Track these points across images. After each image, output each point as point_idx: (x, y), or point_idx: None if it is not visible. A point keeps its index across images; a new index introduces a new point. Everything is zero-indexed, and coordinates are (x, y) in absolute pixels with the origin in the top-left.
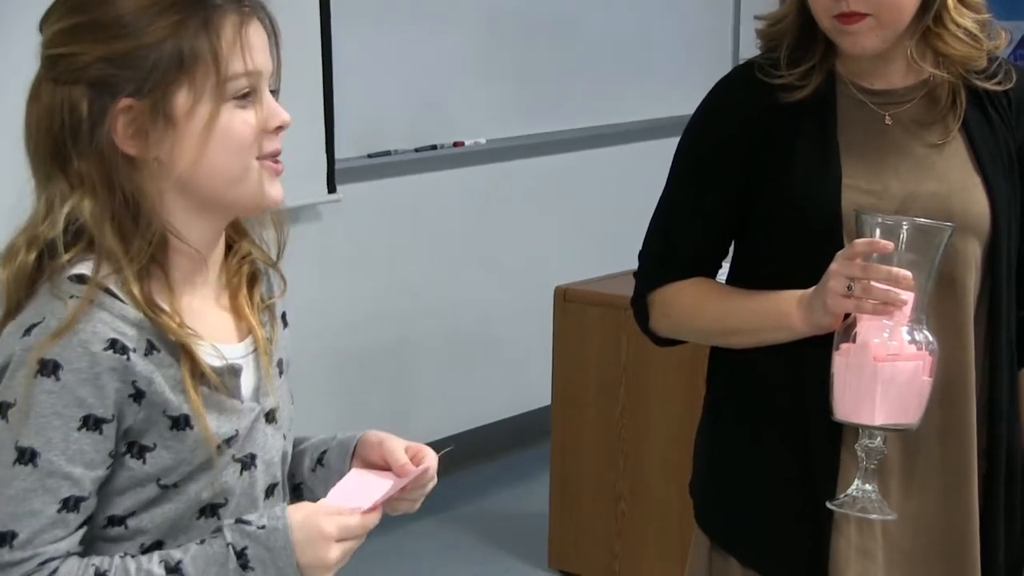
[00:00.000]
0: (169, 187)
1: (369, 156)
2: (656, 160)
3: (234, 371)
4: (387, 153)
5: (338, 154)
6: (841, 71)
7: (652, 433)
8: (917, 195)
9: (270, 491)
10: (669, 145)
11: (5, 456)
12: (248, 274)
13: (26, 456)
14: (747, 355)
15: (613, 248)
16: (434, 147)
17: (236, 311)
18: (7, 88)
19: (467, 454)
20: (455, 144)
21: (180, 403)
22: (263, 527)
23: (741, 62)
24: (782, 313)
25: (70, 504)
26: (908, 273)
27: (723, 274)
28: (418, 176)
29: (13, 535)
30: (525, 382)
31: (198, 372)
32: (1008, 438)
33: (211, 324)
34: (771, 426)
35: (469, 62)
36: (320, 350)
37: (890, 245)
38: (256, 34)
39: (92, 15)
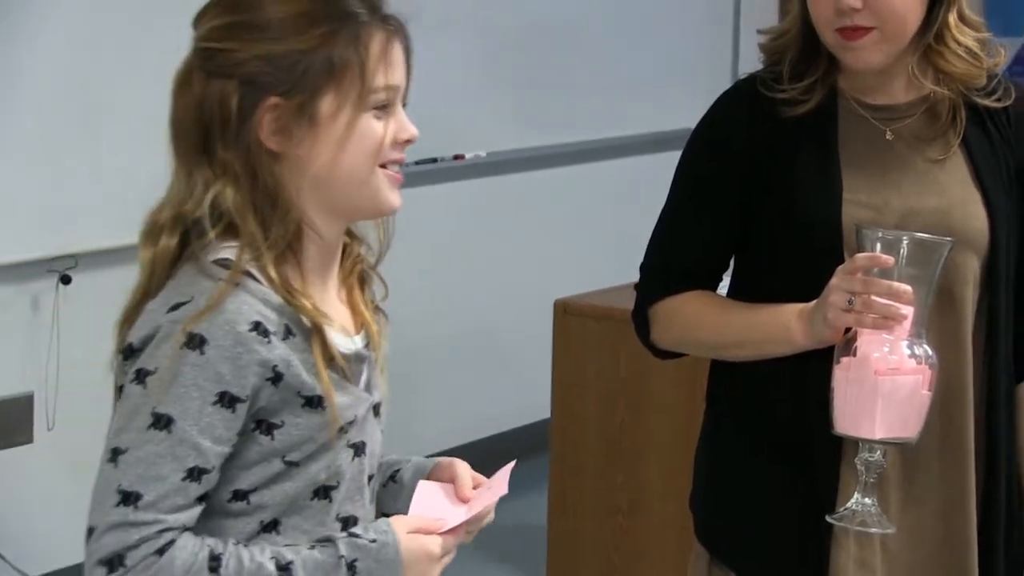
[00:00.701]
0: (305, 183)
1: None
2: (656, 173)
3: (361, 358)
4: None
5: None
6: (843, 86)
7: (651, 446)
8: (918, 210)
9: (370, 481)
10: (670, 158)
11: (140, 420)
12: (359, 275)
13: (162, 422)
14: (748, 368)
15: (613, 261)
16: (434, 160)
17: (352, 307)
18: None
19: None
20: (455, 157)
21: (314, 384)
22: (374, 541)
23: (742, 76)
24: (783, 326)
25: (194, 474)
26: (908, 288)
27: (724, 287)
28: (419, 189)
29: (139, 496)
30: (525, 395)
31: (328, 356)
32: (1007, 452)
33: (335, 312)
34: (772, 440)
35: (470, 75)
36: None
37: (891, 260)
38: (397, 52)
39: (252, 16)
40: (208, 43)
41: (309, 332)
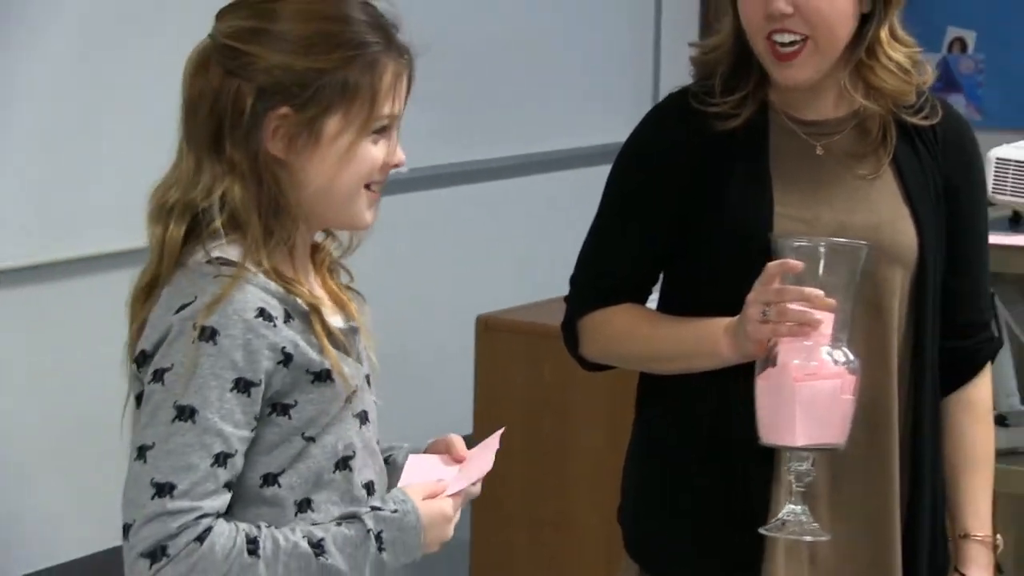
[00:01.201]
0: (304, 195)
1: None
2: (578, 189)
3: (354, 330)
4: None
5: None
6: (773, 100)
7: (576, 460)
8: (848, 225)
9: (378, 444)
10: (590, 174)
11: (163, 415)
12: (328, 264)
13: (185, 413)
14: (677, 381)
15: (535, 277)
16: None
17: (329, 293)
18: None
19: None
20: None
21: (320, 360)
22: (396, 511)
23: (673, 90)
24: (710, 341)
25: (220, 459)
26: (820, 292)
27: (653, 301)
28: None
29: (172, 487)
30: (446, 411)
31: (328, 332)
32: (931, 463)
33: (321, 299)
34: (702, 452)
35: None
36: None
37: (799, 265)
38: (404, 83)
39: (279, 27)
40: (233, 41)
41: (306, 314)
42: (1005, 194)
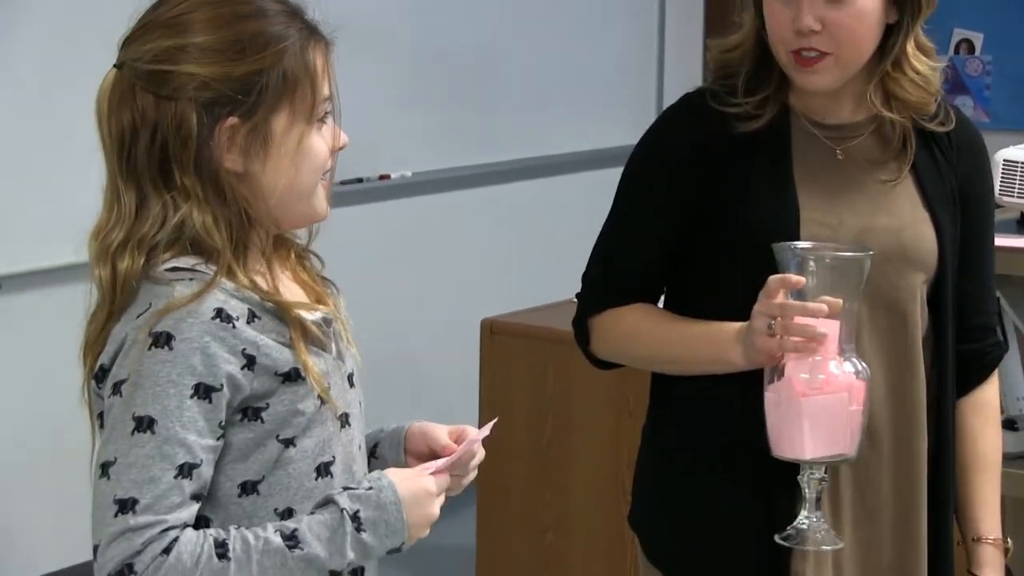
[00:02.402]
0: (271, 201)
1: None
2: (582, 193)
3: (327, 321)
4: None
5: None
6: (793, 103)
7: (579, 465)
8: (871, 228)
9: (360, 450)
10: (594, 177)
11: (123, 428)
12: (296, 253)
13: (144, 424)
14: (695, 388)
15: (540, 280)
16: (360, 180)
17: (301, 284)
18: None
19: None
20: (381, 177)
21: (290, 359)
22: (370, 488)
23: (668, 95)
24: (721, 346)
25: (184, 470)
26: (823, 307)
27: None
28: (344, 209)
29: (135, 501)
30: (451, 415)
31: (305, 333)
32: (953, 469)
33: (294, 294)
34: (723, 459)
35: (394, 95)
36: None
37: (800, 280)
38: (330, 61)
39: (201, 38)
40: (158, 65)
41: (276, 312)
42: (1012, 196)
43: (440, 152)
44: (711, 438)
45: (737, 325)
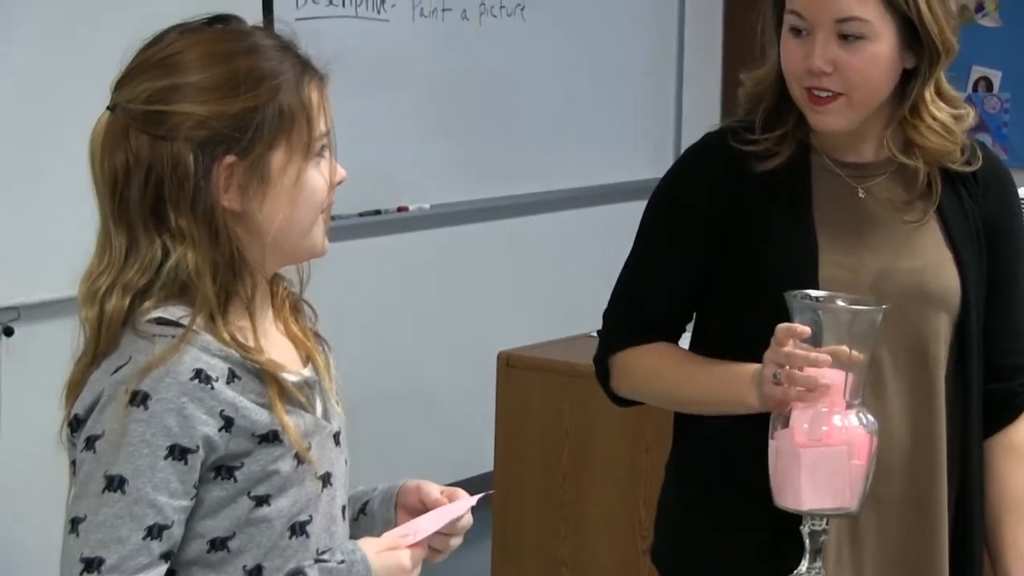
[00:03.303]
0: (267, 241)
1: None
2: (600, 226)
3: (309, 383)
4: (331, 218)
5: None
6: (815, 142)
7: (595, 499)
8: (892, 270)
9: (343, 512)
10: (612, 211)
11: (94, 486)
12: (290, 304)
13: (115, 483)
14: (714, 430)
15: (557, 314)
16: (378, 212)
17: (292, 339)
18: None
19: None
20: (399, 209)
21: (267, 421)
22: (343, 562)
23: (686, 130)
24: (738, 388)
25: (154, 532)
26: (828, 358)
27: (687, 336)
28: (362, 241)
29: (101, 561)
30: (468, 447)
31: (284, 393)
32: (981, 512)
33: (280, 350)
34: (742, 499)
35: (414, 127)
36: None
37: (807, 331)
38: (326, 96)
39: (195, 77)
40: (152, 105)
41: (257, 372)
42: None
43: (459, 185)
44: (731, 478)
45: (754, 367)
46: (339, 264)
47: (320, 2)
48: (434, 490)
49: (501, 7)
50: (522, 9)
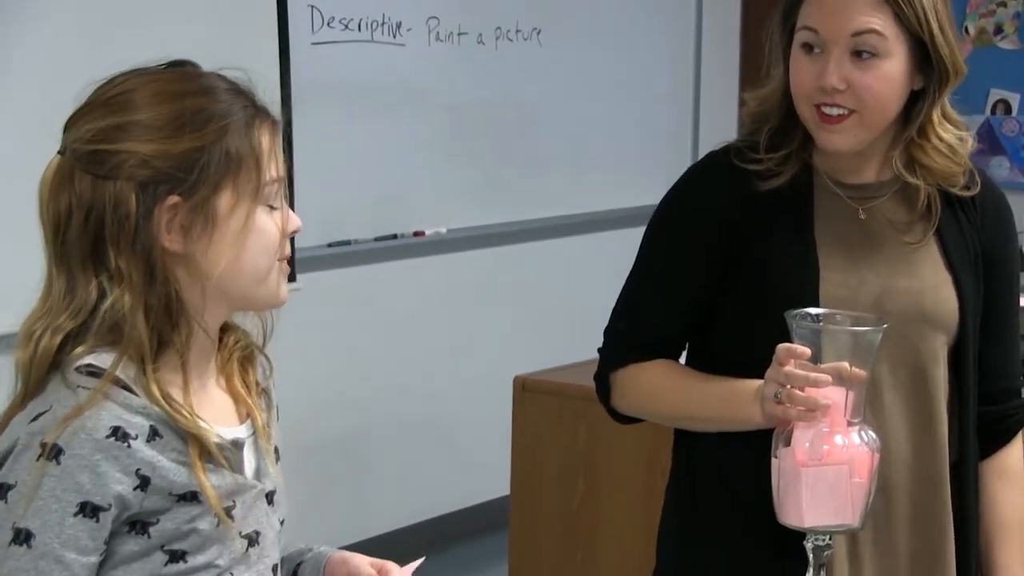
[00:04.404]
0: (210, 284)
1: (329, 245)
2: (616, 250)
3: (237, 444)
4: (347, 243)
5: (298, 243)
6: (816, 162)
7: (610, 524)
8: (892, 290)
9: (274, 571)
10: (628, 235)
11: (2, 536)
12: (239, 359)
13: (21, 537)
14: (713, 449)
15: (572, 338)
16: (394, 236)
17: (233, 394)
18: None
19: (424, 544)
20: (415, 233)
21: (186, 481)
22: None
23: (703, 153)
24: (740, 403)
25: None
26: (828, 378)
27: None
28: (378, 265)
29: None
30: (483, 472)
31: (205, 452)
32: (976, 533)
33: (216, 406)
34: (741, 518)
35: (430, 151)
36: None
37: (806, 351)
38: (278, 143)
39: (142, 115)
40: (97, 145)
41: (181, 433)
42: None
43: (475, 209)
44: (730, 496)
45: (757, 383)
46: (355, 288)
47: (336, 27)
48: (364, 566)
49: (517, 31)
50: (538, 33)
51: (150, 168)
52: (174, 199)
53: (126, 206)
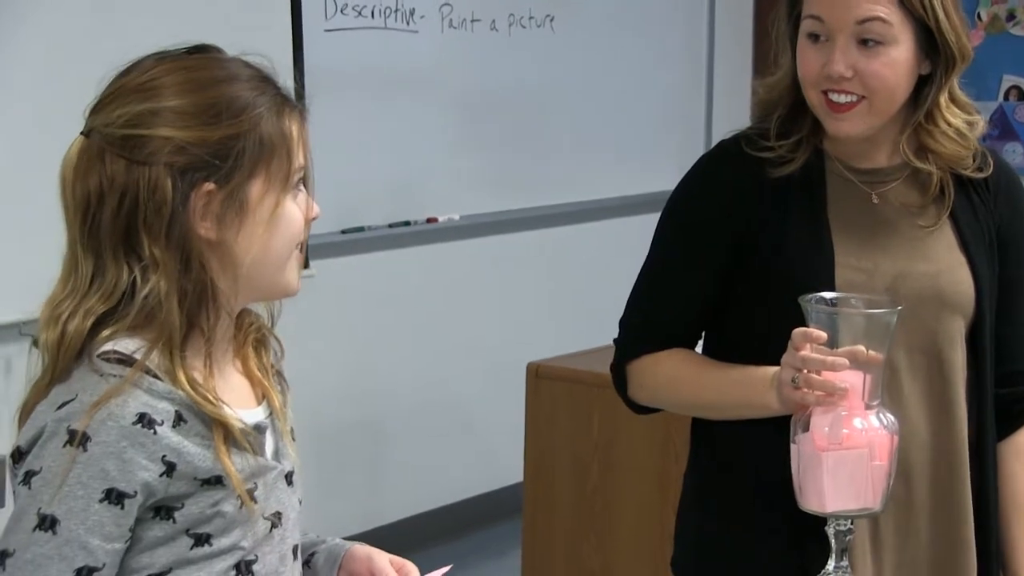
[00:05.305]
0: (241, 271)
1: (343, 232)
2: (629, 237)
3: (260, 429)
4: (360, 229)
5: (311, 229)
6: (827, 148)
7: (624, 510)
8: (907, 274)
9: (294, 552)
10: (641, 222)
11: (26, 522)
12: (254, 341)
13: (46, 523)
14: (733, 435)
15: (586, 325)
16: (408, 223)
17: (249, 376)
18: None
19: (439, 530)
20: (429, 220)
21: (211, 465)
22: None
23: (726, 136)
24: (757, 391)
25: (83, 573)
26: (845, 361)
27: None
28: (392, 252)
29: None
30: (497, 458)
31: (230, 436)
32: (997, 512)
33: (234, 388)
34: (760, 505)
35: (443, 138)
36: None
37: (823, 335)
38: (305, 130)
39: (175, 102)
40: (131, 129)
41: (205, 417)
42: None
43: (488, 196)
44: (748, 483)
45: (773, 369)
46: (368, 274)
47: (349, 14)
48: (385, 564)
49: (530, 18)
50: (551, 20)
51: (187, 155)
52: (209, 186)
53: (162, 192)
